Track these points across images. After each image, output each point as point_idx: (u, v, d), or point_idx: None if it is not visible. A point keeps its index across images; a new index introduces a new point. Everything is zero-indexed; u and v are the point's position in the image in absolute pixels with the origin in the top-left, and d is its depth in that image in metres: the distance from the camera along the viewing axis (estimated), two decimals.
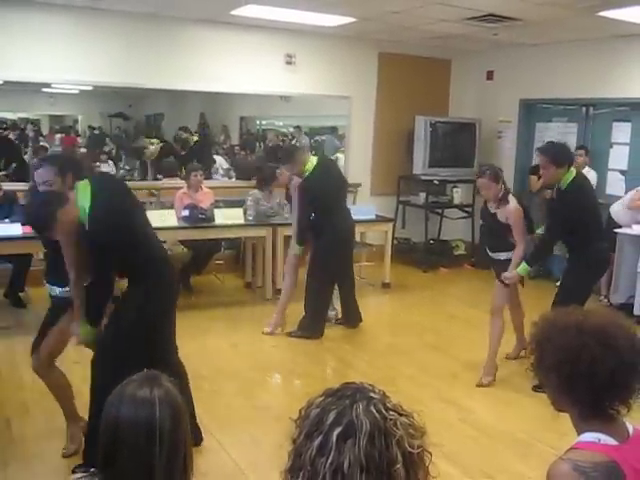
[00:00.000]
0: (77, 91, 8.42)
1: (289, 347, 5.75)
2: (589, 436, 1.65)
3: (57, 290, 3.67)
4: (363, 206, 7.91)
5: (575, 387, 1.66)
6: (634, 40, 7.21)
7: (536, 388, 3.97)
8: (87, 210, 3.27)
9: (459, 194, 9.02)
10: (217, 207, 6.97)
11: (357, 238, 8.25)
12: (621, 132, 7.68)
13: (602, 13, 6.16)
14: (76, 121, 11.27)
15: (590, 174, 7.51)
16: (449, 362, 5.44)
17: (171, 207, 6.96)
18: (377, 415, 1.16)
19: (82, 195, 3.31)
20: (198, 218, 6.64)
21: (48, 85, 7.63)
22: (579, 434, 1.69)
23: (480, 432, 4.21)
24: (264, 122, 11.21)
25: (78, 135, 11.01)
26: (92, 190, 3.32)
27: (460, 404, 4.62)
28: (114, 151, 10.34)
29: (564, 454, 1.63)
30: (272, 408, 4.34)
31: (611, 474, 1.56)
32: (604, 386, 1.62)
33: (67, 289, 3.53)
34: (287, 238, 6.64)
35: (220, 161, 9.75)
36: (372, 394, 1.23)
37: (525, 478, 3.62)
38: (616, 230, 6.90)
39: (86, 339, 3.51)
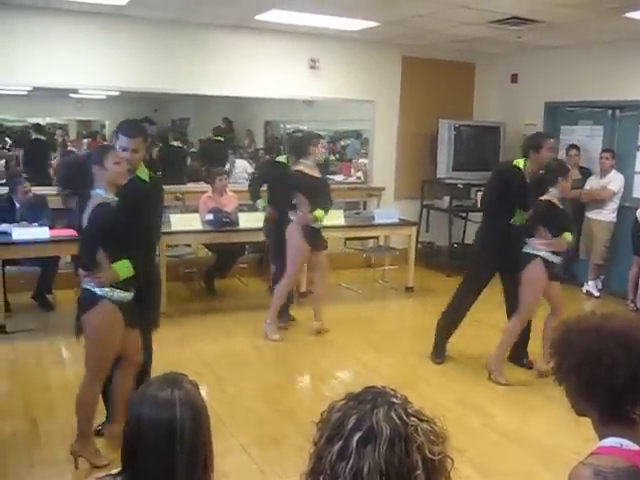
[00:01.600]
0: (104, 96, 8.51)
1: (312, 350, 5.77)
2: (611, 441, 1.64)
3: None
4: (387, 210, 7.94)
5: (595, 391, 1.65)
6: None
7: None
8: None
9: None
10: (241, 211, 7.01)
11: (381, 242, 8.29)
12: None
13: (628, 14, 6.10)
14: (103, 126, 11.36)
15: (617, 177, 7.46)
16: (472, 367, 5.41)
17: (196, 211, 7.01)
18: (398, 421, 1.16)
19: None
20: (222, 222, 6.69)
21: (75, 91, 7.73)
22: (600, 439, 1.68)
23: (503, 437, 4.19)
24: (288, 126, 11.23)
25: (105, 140, 11.12)
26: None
27: (483, 408, 4.60)
28: None
29: (585, 459, 1.62)
30: (294, 411, 4.36)
31: (632, 479, 1.55)
32: (625, 389, 1.61)
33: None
34: None
35: (244, 165, 9.79)
36: (393, 399, 1.23)
37: None
38: None
39: (122, 275, 3.43)
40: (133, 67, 7.15)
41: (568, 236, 4.87)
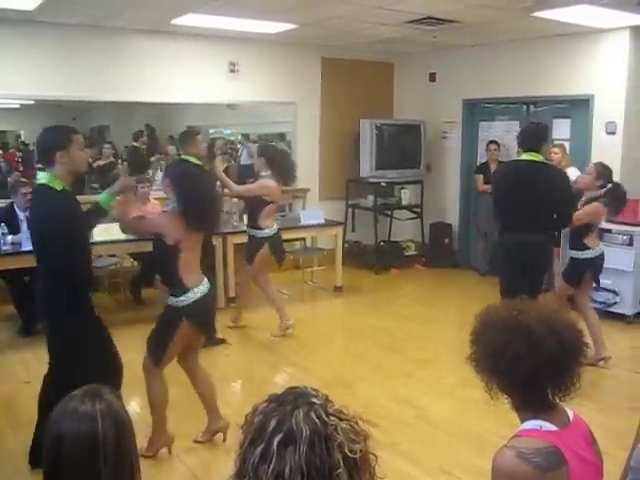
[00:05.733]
0: (18, 105, 8.23)
1: (243, 355, 5.74)
2: (531, 424, 1.71)
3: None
4: (312, 211, 7.96)
5: (504, 380, 1.74)
6: (569, 39, 7.40)
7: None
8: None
9: (407, 195, 9.12)
10: None
11: (308, 243, 8.32)
12: (561, 128, 7.85)
13: (536, 14, 6.31)
14: (18, 136, 10.99)
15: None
16: (403, 362, 5.50)
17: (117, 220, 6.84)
18: (317, 421, 1.17)
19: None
20: None
21: None
22: (521, 422, 1.75)
23: (436, 429, 4.27)
24: (212, 131, 11.13)
25: (20, 150, 10.75)
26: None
27: (415, 403, 4.67)
28: None
29: (508, 442, 1.69)
30: (227, 416, 4.31)
31: (551, 459, 1.62)
32: (528, 381, 1.68)
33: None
34: (237, 246, 6.63)
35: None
36: (314, 399, 1.23)
37: (482, 471, 3.64)
38: None
39: None
40: (47, 75, 6.93)
41: None
